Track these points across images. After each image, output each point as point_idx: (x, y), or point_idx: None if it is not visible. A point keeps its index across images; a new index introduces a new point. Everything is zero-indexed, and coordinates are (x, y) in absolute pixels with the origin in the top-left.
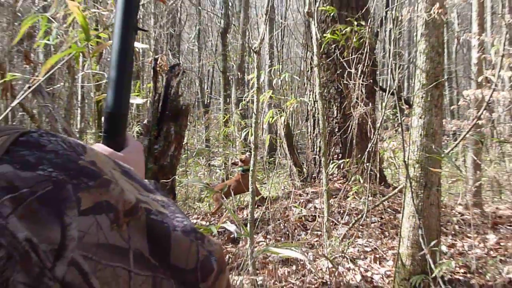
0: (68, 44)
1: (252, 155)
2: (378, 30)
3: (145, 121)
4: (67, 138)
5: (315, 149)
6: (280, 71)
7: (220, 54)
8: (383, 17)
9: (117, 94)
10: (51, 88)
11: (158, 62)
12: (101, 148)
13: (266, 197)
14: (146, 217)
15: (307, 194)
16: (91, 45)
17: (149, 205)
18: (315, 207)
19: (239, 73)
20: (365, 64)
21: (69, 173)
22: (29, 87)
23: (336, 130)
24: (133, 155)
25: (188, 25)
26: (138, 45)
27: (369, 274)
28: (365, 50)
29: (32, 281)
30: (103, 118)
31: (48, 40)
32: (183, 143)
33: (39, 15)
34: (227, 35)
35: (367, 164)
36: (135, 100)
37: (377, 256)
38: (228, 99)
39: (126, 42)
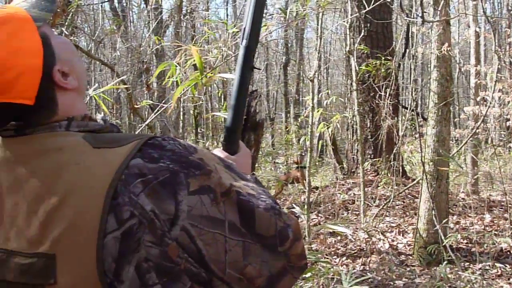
0: (187, 80)
1: (308, 156)
2: (400, 62)
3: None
4: (183, 141)
5: (354, 151)
6: (328, 94)
7: (282, 81)
8: (404, 53)
9: (235, 115)
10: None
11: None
12: (219, 152)
13: (317, 186)
14: (237, 197)
15: (348, 184)
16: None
17: (240, 189)
18: (354, 194)
19: (296, 95)
20: (392, 88)
21: (181, 165)
22: (160, 108)
23: (369, 137)
24: (242, 158)
25: (258, 61)
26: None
27: (394, 243)
28: (391, 78)
29: (156, 240)
30: (223, 131)
31: (173, 78)
32: (260, 147)
33: (169, 62)
34: (287, 67)
35: (393, 162)
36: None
37: (401, 230)
38: (288, 115)
39: (244, 77)
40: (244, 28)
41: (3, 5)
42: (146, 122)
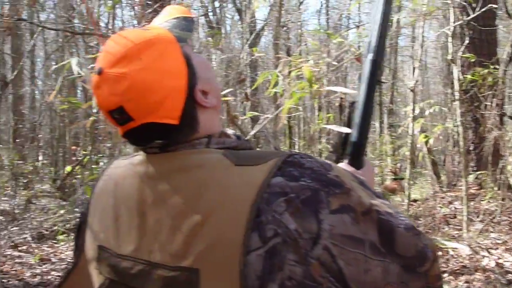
0: (290, 91)
1: (408, 167)
2: (506, 70)
3: (334, 142)
4: (318, 158)
5: (454, 163)
6: (429, 103)
7: (376, 91)
8: (510, 60)
9: (361, 129)
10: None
11: (342, 99)
12: (345, 166)
13: (417, 199)
14: (377, 216)
15: (449, 197)
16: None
17: (379, 208)
18: (455, 208)
19: (390, 105)
20: (499, 98)
21: (321, 183)
22: (265, 119)
23: (471, 149)
24: (367, 173)
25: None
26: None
27: (500, 261)
28: (499, 87)
29: (300, 259)
30: (348, 145)
31: (275, 88)
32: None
33: (270, 72)
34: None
35: (500, 175)
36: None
37: (507, 247)
38: (381, 124)
39: (371, 92)
40: (370, 42)
41: (147, 26)
42: (252, 133)
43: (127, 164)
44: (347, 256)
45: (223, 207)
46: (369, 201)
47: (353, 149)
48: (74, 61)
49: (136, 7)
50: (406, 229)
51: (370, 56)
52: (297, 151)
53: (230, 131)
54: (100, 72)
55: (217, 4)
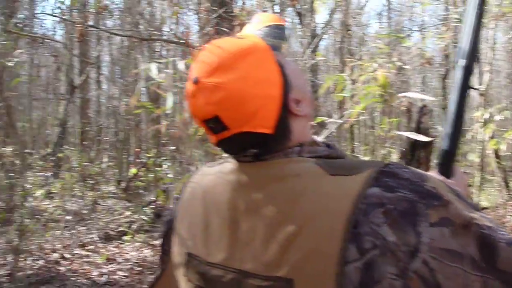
0: (360, 96)
1: (479, 174)
2: None
3: (402, 148)
4: (413, 169)
5: None
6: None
7: (441, 94)
8: None
9: (453, 137)
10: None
11: (411, 104)
12: (436, 175)
13: (486, 207)
14: (477, 230)
15: None
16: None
17: (479, 221)
18: None
19: None
20: None
21: (419, 195)
22: (334, 124)
23: None
24: (459, 183)
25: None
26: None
27: None
28: None
29: (398, 272)
30: (438, 153)
31: (343, 92)
32: (430, 166)
33: (338, 75)
34: (446, 79)
35: None
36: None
37: None
38: None
39: (462, 99)
40: (462, 47)
41: (241, 34)
42: (321, 139)
43: (216, 172)
44: (446, 270)
45: (319, 217)
46: (468, 214)
47: (444, 158)
48: (153, 67)
49: (200, 13)
50: (508, 244)
51: (462, 62)
52: (393, 161)
53: (319, 139)
54: (196, 82)
55: (277, 8)
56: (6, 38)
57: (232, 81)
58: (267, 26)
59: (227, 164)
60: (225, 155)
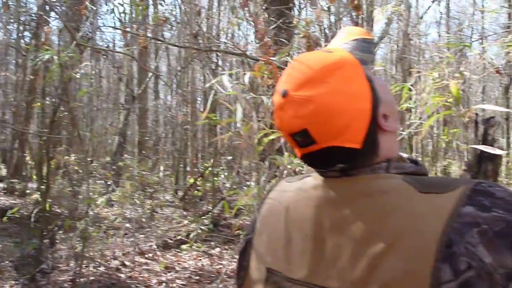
0: (427, 107)
1: None
2: None
3: (468, 161)
4: (506, 187)
5: None
6: None
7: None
8: None
9: None
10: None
11: (477, 115)
12: None
13: None
14: None
15: None
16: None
17: None
18: None
19: None
20: None
21: None
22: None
23: None
24: None
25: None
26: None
27: None
28: None
29: None
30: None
31: (408, 103)
32: (497, 178)
33: (401, 85)
34: (509, 89)
35: None
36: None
37: None
38: (508, 140)
39: None
40: None
41: (329, 49)
42: None
43: (298, 188)
44: None
45: (409, 236)
46: None
47: None
48: (225, 78)
49: (258, 24)
50: None
51: None
52: (484, 180)
53: (405, 155)
54: (285, 95)
55: (333, 18)
56: (73, 51)
57: (322, 95)
58: (354, 40)
59: (309, 179)
60: (307, 168)
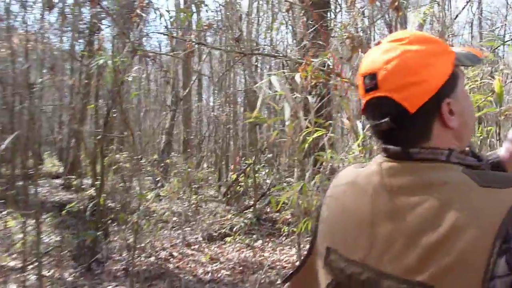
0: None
1: None
2: None
3: None
4: None
5: None
6: None
7: None
8: None
9: None
10: None
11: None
12: None
13: None
14: None
15: None
16: None
17: None
18: None
19: None
20: None
21: None
22: None
23: None
24: None
25: None
26: None
27: None
28: None
29: None
30: None
31: None
32: None
33: None
34: None
35: None
36: None
37: None
38: None
39: None
40: None
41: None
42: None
43: (359, 174)
44: None
45: (467, 229)
46: None
47: None
48: (274, 79)
49: (297, 28)
50: None
51: None
52: None
53: (466, 149)
54: (378, 43)
55: (366, 21)
56: (125, 56)
57: (407, 51)
58: (467, 51)
59: (371, 166)
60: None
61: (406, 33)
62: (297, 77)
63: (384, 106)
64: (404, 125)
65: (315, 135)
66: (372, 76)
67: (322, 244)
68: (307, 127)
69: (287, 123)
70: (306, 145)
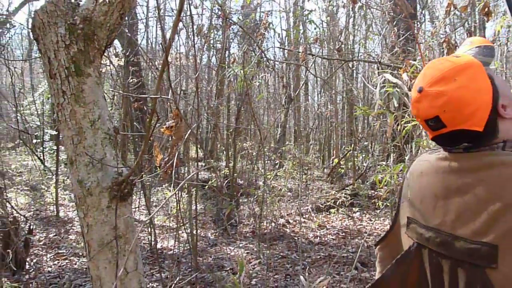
0: None
1: None
2: None
3: None
4: None
5: None
6: None
7: None
8: None
9: None
10: None
11: None
12: None
13: None
14: None
15: None
16: None
17: None
18: None
19: None
20: None
21: None
22: None
23: None
24: None
25: None
26: None
27: None
28: None
29: None
30: None
31: None
32: None
33: None
34: None
35: None
36: None
37: None
38: None
39: None
40: None
41: (457, 54)
42: None
43: (431, 158)
44: None
45: None
46: None
47: None
48: (388, 75)
49: (389, 38)
50: None
51: None
52: None
53: None
54: (420, 90)
55: (448, 29)
56: (252, 66)
57: (453, 90)
58: (477, 47)
59: (439, 154)
60: (437, 147)
61: (434, 72)
62: (405, 76)
63: (458, 136)
64: (478, 140)
65: (413, 123)
66: (435, 120)
67: (404, 216)
68: (406, 118)
69: (390, 114)
70: (404, 133)
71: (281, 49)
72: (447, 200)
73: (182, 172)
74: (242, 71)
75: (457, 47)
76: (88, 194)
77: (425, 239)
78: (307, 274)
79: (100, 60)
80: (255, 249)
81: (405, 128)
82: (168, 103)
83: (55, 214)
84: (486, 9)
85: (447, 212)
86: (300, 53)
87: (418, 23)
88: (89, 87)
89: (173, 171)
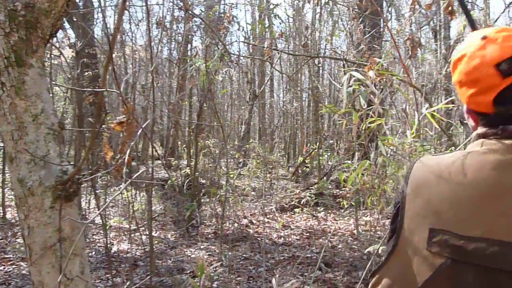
0: None
1: None
2: None
3: None
4: None
5: None
6: None
7: None
8: None
9: None
10: None
11: None
12: None
13: None
14: None
15: None
16: None
17: None
18: None
19: None
20: None
21: None
22: None
23: None
24: None
25: None
26: None
27: None
28: None
29: None
30: None
31: None
32: None
33: None
34: None
35: None
36: None
37: None
38: None
39: None
40: None
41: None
42: None
43: (445, 159)
44: None
45: None
46: None
47: None
48: (355, 73)
49: (354, 34)
50: None
51: None
52: None
53: None
54: (484, 37)
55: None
56: (215, 61)
57: None
58: None
59: (471, 150)
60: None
61: (496, 29)
62: (371, 73)
63: None
64: None
65: (378, 122)
66: (509, 60)
67: (420, 228)
68: (371, 117)
69: (355, 113)
70: (369, 132)
71: (246, 44)
72: (498, 201)
73: (142, 171)
74: (204, 65)
75: (421, 45)
76: (30, 194)
77: (465, 253)
78: (275, 277)
79: (44, 49)
80: (217, 250)
81: (369, 127)
82: (127, 99)
83: (1, 216)
84: (450, 8)
85: (499, 215)
86: (265, 48)
87: (384, 21)
88: (31, 78)
89: (125, 170)
